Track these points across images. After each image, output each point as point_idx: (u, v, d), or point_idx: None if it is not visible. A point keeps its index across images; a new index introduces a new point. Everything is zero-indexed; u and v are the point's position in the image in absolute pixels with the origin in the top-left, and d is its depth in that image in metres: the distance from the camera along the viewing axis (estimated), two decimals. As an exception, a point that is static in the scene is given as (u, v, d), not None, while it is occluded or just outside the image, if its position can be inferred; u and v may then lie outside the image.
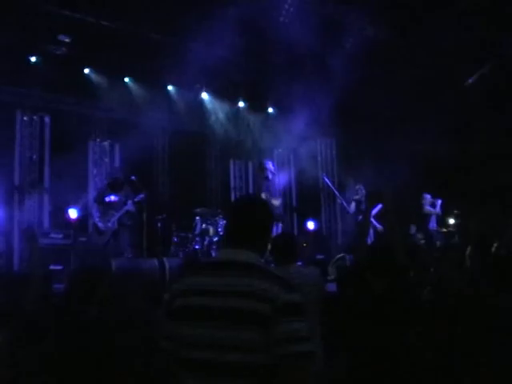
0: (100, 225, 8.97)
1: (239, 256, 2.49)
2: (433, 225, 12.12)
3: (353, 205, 11.35)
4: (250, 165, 14.14)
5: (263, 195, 9.97)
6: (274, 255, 4.67)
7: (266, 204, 2.80)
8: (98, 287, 4.07)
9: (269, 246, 2.74)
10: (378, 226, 11.40)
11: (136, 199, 9.27)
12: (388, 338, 3.77)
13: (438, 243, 11.45)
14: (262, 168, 10.59)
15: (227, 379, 2.29)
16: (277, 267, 4.57)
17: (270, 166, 10.62)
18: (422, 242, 11.57)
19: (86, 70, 11.32)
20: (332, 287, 6.34)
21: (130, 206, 9.15)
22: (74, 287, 3.97)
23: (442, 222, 12.37)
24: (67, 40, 10.50)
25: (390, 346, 3.75)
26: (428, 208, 12.16)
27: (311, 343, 2.32)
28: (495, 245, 6.87)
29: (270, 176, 10.52)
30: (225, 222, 2.57)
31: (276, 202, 10.21)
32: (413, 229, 12.29)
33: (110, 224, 9.03)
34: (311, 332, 3.85)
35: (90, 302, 3.91)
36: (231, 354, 2.28)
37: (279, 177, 11.56)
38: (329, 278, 9.46)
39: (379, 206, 11.67)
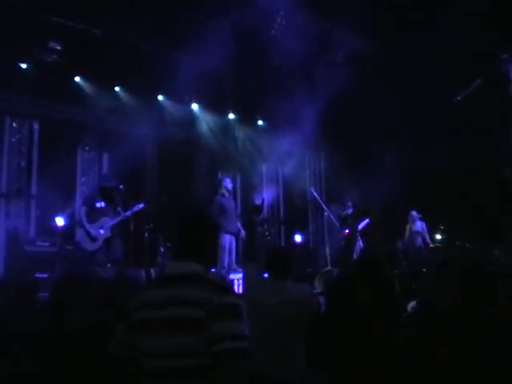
0: (92, 231, 8.92)
1: (184, 268, 2.70)
2: (419, 241, 12.16)
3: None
4: (238, 177, 14.15)
5: (214, 210, 10.10)
6: (270, 270, 4.68)
7: (211, 218, 3.18)
8: (82, 295, 4.04)
9: (219, 257, 2.97)
10: (360, 242, 11.45)
11: (136, 209, 9.30)
12: (375, 349, 3.77)
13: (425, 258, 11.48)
14: (220, 185, 10.66)
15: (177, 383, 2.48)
16: (269, 281, 4.60)
17: (227, 183, 10.71)
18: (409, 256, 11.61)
19: (77, 78, 11.28)
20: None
21: (127, 215, 9.15)
22: (57, 295, 3.94)
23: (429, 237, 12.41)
24: (58, 47, 10.48)
25: (377, 356, 3.75)
26: (414, 226, 12.20)
27: (245, 341, 2.47)
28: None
29: (227, 194, 10.66)
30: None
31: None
32: (400, 244, 12.33)
33: (102, 231, 8.97)
34: (298, 342, 3.86)
35: (74, 311, 3.88)
36: (177, 359, 2.48)
37: (266, 190, 11.63)
38: (315, 291, 9.47)
39: (366, 221, 11.72)
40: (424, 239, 12.19)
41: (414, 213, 12.22)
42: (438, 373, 3.61)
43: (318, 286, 9.79)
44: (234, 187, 13.38)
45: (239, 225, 10.91)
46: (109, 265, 8.66)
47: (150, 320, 2.58)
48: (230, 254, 10.24)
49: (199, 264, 2.69)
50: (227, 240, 10.16)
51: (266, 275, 4.86)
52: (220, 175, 11.81)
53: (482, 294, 4.01)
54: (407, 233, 12.16)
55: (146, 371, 2.58)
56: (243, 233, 10.96)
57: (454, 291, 4.34)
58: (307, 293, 4.79)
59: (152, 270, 8.04)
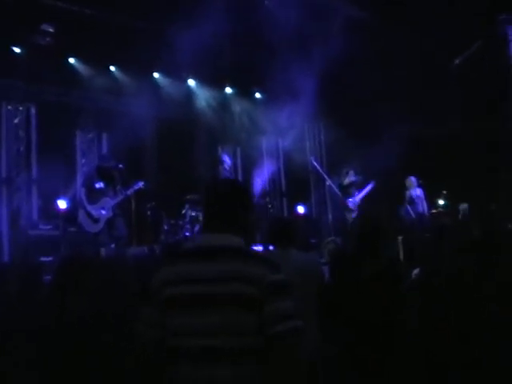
0: (94, 212, 8.92)
1: (222, 241, 2.49)
2: (419, 207, 12.14)
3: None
4: (238, 150, 14.14)
5: None
6: (271, 239, 4.68)
7: (246, 188, 2.90)
8: (85, 277, 4.05)
9: (252, 229, 2.81)
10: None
11: (135, 187, 9.26)
12: (380, 317, 3.79)
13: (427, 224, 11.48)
14: (220, 161, 10.66)
15: (221, 365, 2.31)
16: (276, 251, 4.57)
17: (226, 158, 10.73)
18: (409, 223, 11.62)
19: (71, 60, 11.23)
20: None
21: (128, 194, 9.15)
22: (60, 277, 3.94)
23: (429, 203, 12.40)
24: (51, 30, 10.40)
25: (382, 324, 3.77)
26: (413, 192, 12.18)
27: (298, 320, 2.35)
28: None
29: (227, 168, 10.63)
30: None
31: None
32: (402, 211, 12.32)
33: (104, 211, 8.96)
34: (307, 314, 3.84)
35: (77, 293, 3.89)
36: (224, 339, 2.31)
37: (266, 164, 11.62)
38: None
39: (370, 186, 11.67)
40: (423, 205, 12.18)
41: (412, 178, 12.18)
42: (441, 344, 3.63)
43: (322, 256, 9.83)
44: (235, 162, 13.40)
45: None
46: (112, 245, 8.67)
47: (187, 297, 2.38)
48: None
49: (235, 236, 2.51)
50: None
51: (270, 248, 4.86)
52: (220, 151, 11.77)
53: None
54: (407, 199, 12.14)
55: (182, 352, 2.38)
56: None
57: (457, 258, 4.35)
58: (315, 262, 4.81)
59: (156, 247, 8.04)
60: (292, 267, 4.24)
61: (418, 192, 12.16)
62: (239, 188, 2.75)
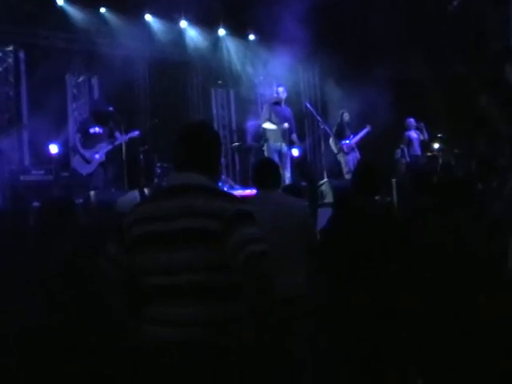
0: (87, 154, 8.92)
1: (189, 179, 2.53)
2: (416, 149, 12.12)
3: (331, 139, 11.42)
4: (232, 93, 14.00)
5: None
6: (254, 180, 4.61)
7: (212, 128, 3.00)
8: (70, 219, 4.05)
9: (222, 169, 2.83)
10: (357, 153, 11.40)
11: (131, 135, 9.28)
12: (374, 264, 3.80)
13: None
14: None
15: (189, 301, 2.34)
16: (259, 192, 4.50)
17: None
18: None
19: (60, 2, 10.95)
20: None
21: (122, 140, 9.12)
22: (43, 220, 3.94)
23: (426, 146, 12.39)
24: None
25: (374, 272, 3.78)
26: (410, 134, 12.14)
27: (266, 243, 2.36)
28: None
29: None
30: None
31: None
32: (398, 153, 12.29)
33: (97, 155, 8.98)
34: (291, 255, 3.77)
35: (62, 236, 3.89)
36: (191, 275, 2.35)
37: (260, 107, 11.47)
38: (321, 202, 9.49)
39: (366, 130, 11.60)
40: (421, 147, 12.16)
41: (411, 120, 12.13)
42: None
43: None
44: (228, 104, 13.27)
45: None
46: (103, 189, 8.70)
47: (152, 234, 2.43)
48: None
49: (202, 175, 2.54)
50: None
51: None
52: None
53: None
54: (405, 140, 12.11)
55: (147, 290, 2.45)
56: None
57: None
58: (302, 205, 4.64)
59: (146, 190, 8.03)
60: (274, 208, 4.21)
61: (414, 135, 12.13)
62: (207, 129, 2.80)
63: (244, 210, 2.41)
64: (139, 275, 2.48)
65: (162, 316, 2.39)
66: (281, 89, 10.34)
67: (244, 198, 2.61)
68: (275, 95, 10.40)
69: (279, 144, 10.01)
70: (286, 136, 10.04)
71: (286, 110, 10.34)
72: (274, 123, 10.06)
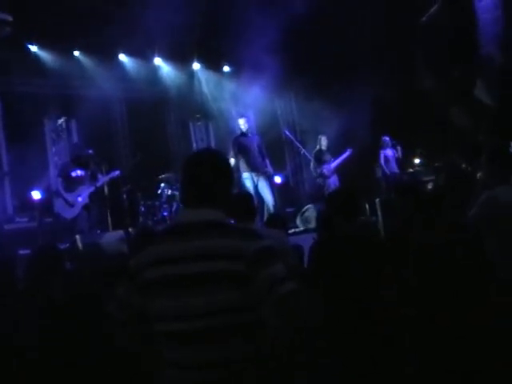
0: (70, 198, 8.89)
1: (202, 216, 2.35)
2: (393, 167, 12.20)
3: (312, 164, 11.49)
4: (211, 126, 14.08)
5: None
6: (233, 215, 4.59)
7: (223, 156, 2.64)
8: (57, 267, 4.06)
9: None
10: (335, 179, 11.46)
11: (112, 175, 9.28)
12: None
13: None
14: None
15: (211, 346, 2.22)
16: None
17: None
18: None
19: (34, 48, 11.05)
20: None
21: (104, 181, 9.13)
22: (32, 268, 3.94)
23: (404, 163, 12.48)
24: (10, 19, 10.17)
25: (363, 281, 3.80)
26: (385, 151, 12.24)
27: (291, 281, 2.21)
28: None
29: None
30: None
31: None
32: (378, 172, 12.40)
33: (80, 198, 8.93)
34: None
35: (51, 282, 3.90)
36: (209, 319, 2.20)
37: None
38: (297, 229, 9.58)
39: (347, 153, 11.66)
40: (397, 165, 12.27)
41: (386, 138, 12.24)
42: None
43: (300, 224, 9.89)
44: (208, 137, 13.32)
45: None
46: (88, 232, 8.68)
47: (168, 278, 2.25)
48: None
49: (215, 210, 2.35)
50: None
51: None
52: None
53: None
54: (381, 159, 12.22)
55: (167, 336, 2.29)
56: None
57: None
58: (280, 237, 4.58)
59: (131, 230, 8.04)
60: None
61: (390, 152, 12.23)
62: (215, 156, 2.52)
63: (265, 248, 2.25)
64: (153, 319, 2.32)
65: (179, 359, 2.27)
66: (241, 120, 10.16)
67: (260, 232, 2.43)
68: (238, 127, 10.30)
69: (251, 174, 9.91)
70: (256, 164, 9.93)
71: (254, 138, 10.26)
72: (242, 155, 9.94)
